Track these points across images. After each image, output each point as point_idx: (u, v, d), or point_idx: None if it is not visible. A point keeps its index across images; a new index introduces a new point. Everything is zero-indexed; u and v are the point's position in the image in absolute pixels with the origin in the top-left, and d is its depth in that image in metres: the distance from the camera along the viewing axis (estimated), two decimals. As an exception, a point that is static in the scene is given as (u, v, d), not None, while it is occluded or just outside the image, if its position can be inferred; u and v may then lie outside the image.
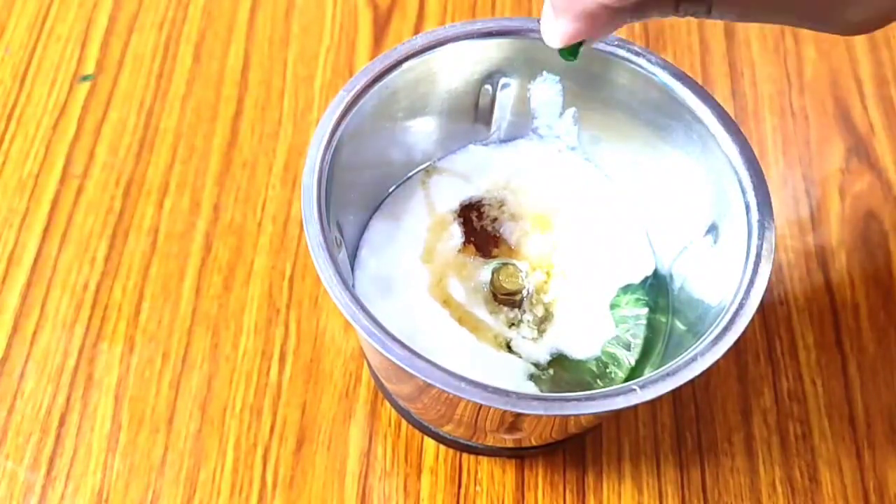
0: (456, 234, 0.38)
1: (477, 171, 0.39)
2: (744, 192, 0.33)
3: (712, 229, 0.35)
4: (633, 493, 0.38)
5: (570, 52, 0.30)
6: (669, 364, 0.30)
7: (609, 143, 0.39)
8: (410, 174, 0.39)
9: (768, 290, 0.31)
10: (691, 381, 0.29)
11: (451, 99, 0.38)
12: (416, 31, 0.50)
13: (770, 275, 0.31)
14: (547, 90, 0.38)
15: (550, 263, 0.38)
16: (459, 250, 0.38)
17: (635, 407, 0.39)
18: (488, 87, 0.38)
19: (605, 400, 0.29)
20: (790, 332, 0.42)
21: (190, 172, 0.45)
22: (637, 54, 0.35)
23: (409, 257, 0.37)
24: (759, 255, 0.32)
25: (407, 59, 0.35)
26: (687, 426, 0.40)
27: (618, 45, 0.35)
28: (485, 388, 0.28)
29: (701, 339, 0.30)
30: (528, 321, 0.36)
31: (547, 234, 0.38)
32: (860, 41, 0.51)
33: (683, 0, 0.27)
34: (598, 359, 0.36)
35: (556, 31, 0.28)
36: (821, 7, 0.26)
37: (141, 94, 0.47)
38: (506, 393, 0.28)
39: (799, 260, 0.44)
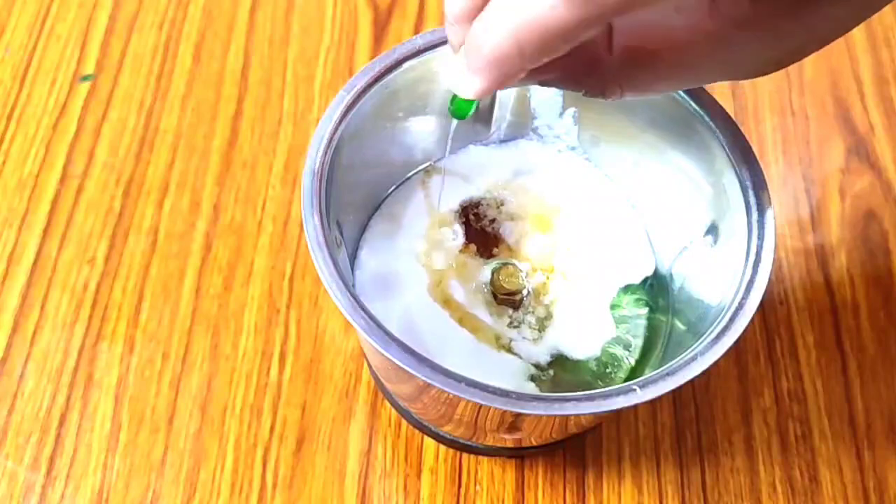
0: (456, 234, 0.38)
1: (477, 171, 0.39)
2: (744, 192, 0.33)
3: (712, 229, 0.35)
4: (633, 493, 0.38)
5: (466, 107, 0.31)
6: (669, 364, 0.30)
7: (609, 144, 0.39)
8: (410, 174, 0.39)
9: (768, 290, 0.31)
10: (691, 381, 0.29)
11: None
12: (416, 31, 0.50)
13: (770, 275, 0.31)
14: (547, 90, 0.38)
15: (550, 264, 0.38)
16: (459, 250, 0.38)
17: (635, 407, 0.39)
18: (488, 87, 0.38)
19: (605, 400, 0.29)
20: (790, 332, 0.42)
21: (190, 172, 0.45)
22: (637, 54, 0.35)
23: (408, 257, 0.37)
24: (759, 255, 0.32)
25: (407, 59, 0.35)
26: (687, 426, 0.40)
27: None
28: (485, 388, 0.28)
29: (701, 339, 0.30)
30: (529, 322, 0.36)
31: (547, 234, 0.38)
32: (860, 41, 0.51)
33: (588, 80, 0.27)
34: (598, 359, 0.36)
35: (472, 83, 0.26)
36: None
37: (141, 94, 0.47)
38: (506, 393, 0.28)
39: (799, 260, 0.44)
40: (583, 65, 0.28)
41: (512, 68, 0.24)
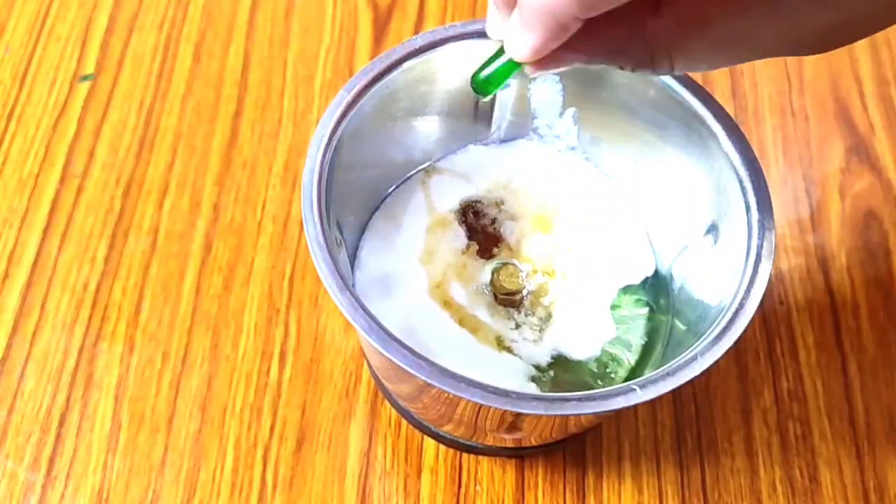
0: (456, 234, 0.38)
1: (477, 171, 0.39)
2: (744, 192, 0.33)
3: (712, 229, 0.35)
4: (633, 493, 0.38)
5: (493, 82, 0.29)
6: (669, 364, 0.30)
7: (609, 143, 0.39)
8: (410, 174, 0.39)
9: (768, 290, 0.31)
10: (691, 381, 0.29)
11: (451, 99, 0.38)
12: (416, 31, 0.50)
13: (770, 275, 0.31)
14: (547, 90, 0.38)
15: (551, 264, 0.38)
16: (460, 251, 0.38)
17: (635, 407, 0.39)
18: (488, 86, 0.38)
19: (605, 400, 0.29)
20: (790, 332, 0.42)
21: (190, 172, 0.45)
22: (637, 54, 0.35)
23: (408, 258, 0.37)
24: (759, 255, 0.32)
25: (407, 59, 0.35)
26: (687, 426, 0.40)
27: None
28: (485, 387, 0.28)
29: (701, 339, 0.30)
30: (530, 323, 0.36)
31: (547, 234, 0.38)
32: (860, 41, 0.51)
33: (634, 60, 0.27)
34: (598, 359, 0.36)
35: (524, 40, 0.26)
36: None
37: (141, 94, 0.47)
38: (506, 393, 0.28)
39: (799, 260, 0.44)
40: (628, 32, 0.27)
41: (568, 16, 0.24)
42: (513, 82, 0.38)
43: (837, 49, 0.26)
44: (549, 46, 0.26)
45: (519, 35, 0.26)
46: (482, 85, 0.30)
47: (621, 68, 0.28)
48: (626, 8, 0.24)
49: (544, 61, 0.27)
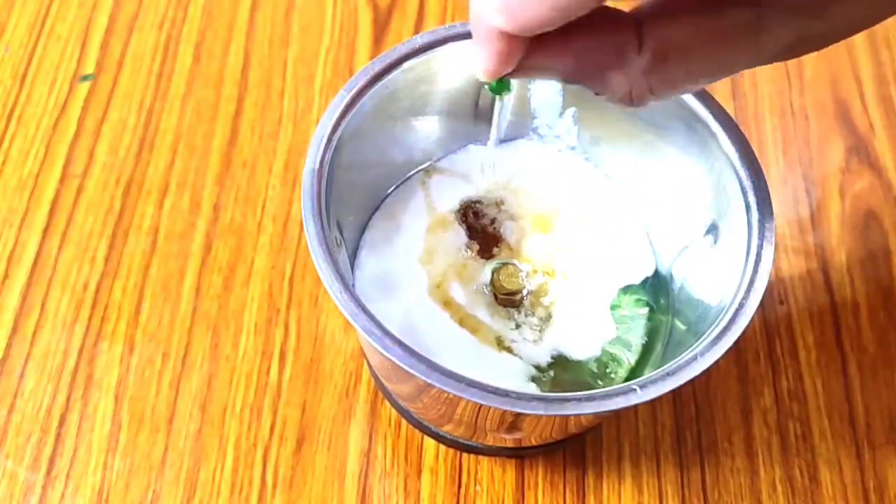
0: (456, 234, 0.38)
1: (477, 171, 0.39)
2: (744, 192, 0.33)
3: (712, 229, 0.35)
4: (633, 493, 0.38)
5: (498, 84, 0.29)
6: (669, 364, 0.30)
7: (609, 143, 0.39)
8: (410, 174, 0.39)
9: (768, 290, 0.31)
10: (691, 381, 0.29)
11: (451, 99, 0.38)
12: (416, 31, 0.50)
13: (770, 275, 0.31)
14: (547, 90, 0.38)
15: (551, 264, 0.38)
16: (460, 251, 0.38)
17: (635, 407, 0.39)
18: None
19: (605, 400, 0.29)
20: (790, 332, 0.42)
21: (190, 172, 0.45)
22: (637, 54, 0.35)
23: (408, 258, 0.37)
24: (759, 255, 0.32)
25: (407, 58, 0.35)
26: (687, 426, 0.40)
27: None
28: (485, 387, 0.28)
29: (701, 339, 0.30)
30: (530, 323, 0.36)
31: (547, 234, 0.38)
32: (860, 41, 0.51)
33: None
34: (598, 359, 0.36)
35: (477, 60, 0.26)
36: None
37: (141, 94, 0.47)
38: (506, 393, 0.28)
39: (799, 260, 0.44)
40: (610, 61, 0.26)
41: (497, 30, 0.24)
42: (513, 82, 0.38)
43: (836, 49, 0.26)
44: (502, 65, 0.25)
45: (473, 50, 0.26)
46: (497, 84, 0.30)
47: (596, 94, 0.28)
48: (610, 37, 0.24)
49: (517, 71, 0.27)
